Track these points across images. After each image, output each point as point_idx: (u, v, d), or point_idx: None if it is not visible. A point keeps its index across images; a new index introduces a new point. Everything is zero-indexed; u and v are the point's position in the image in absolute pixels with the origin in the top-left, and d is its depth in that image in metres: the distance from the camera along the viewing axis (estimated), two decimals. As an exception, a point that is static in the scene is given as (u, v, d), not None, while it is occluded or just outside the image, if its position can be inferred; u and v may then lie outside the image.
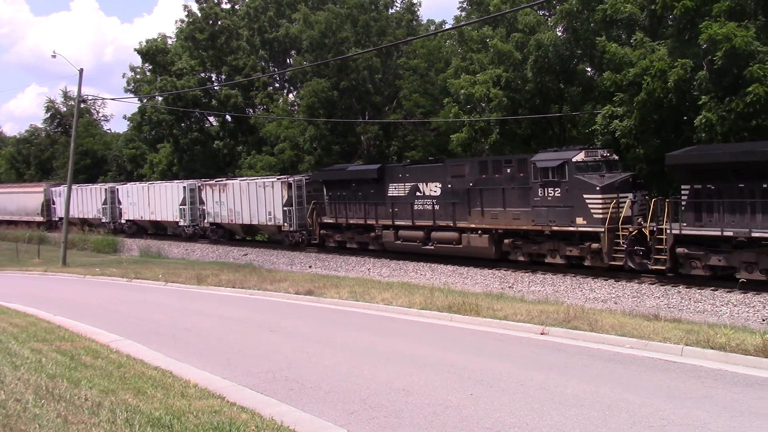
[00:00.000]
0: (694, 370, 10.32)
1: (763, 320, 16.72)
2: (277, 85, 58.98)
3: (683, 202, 20.31)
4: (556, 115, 32.04)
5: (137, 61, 61.43)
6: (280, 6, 56.96)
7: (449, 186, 27.25)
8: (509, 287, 23.02)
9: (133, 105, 65.70)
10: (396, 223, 29.60)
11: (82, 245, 43.65)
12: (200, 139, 57.72)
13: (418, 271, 27.16)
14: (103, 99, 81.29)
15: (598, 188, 22.05)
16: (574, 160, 22.68)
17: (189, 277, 25.10)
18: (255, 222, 36.54)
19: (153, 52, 58.78)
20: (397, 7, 52.67)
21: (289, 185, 34.32)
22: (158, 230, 48.38)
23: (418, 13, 52.85)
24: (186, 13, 57.28)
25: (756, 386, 9.49)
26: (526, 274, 24.41)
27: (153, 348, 12.96)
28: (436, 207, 27.82)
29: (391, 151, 46.14)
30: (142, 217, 46.61)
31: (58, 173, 68.73)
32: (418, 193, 28.69)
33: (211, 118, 58.75)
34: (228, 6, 60.32)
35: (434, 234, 27.94)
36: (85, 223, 50.50)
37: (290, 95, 57.81)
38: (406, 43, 44.66)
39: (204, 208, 41.19)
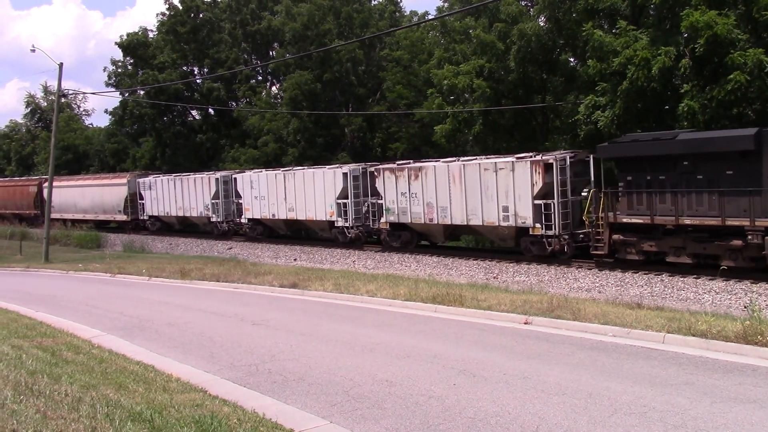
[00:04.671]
0: (676, 358, 10.38)
1: (745, 307, 16.85)
2: (260, 78, 58.75)
3: None
4: (539, 105, 32.11)
5: (119, 54, 61.01)
6: (262, -2, 56.68)
7: None
8: (494, 278, 23.08)
9: (114, 99, 65.34)
10: None
11: (64, 241, 43.31)
12: (183, 133, 57.45)
13: (404, 263, 27.16)
14: (84, 93, 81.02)
15: None
16: None
17: (173, 271, 24.97)
18: (475, 222, 25.52)
19: (134, 46, 58.41)
20: (379, -2, 52.63)
21: (547, 166, 23.19)
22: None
23: (401, 4, 53.00)
24: (167, 6, 56.91)
25: (736, 372, 9.56)
26: (511, 265, 24.50)
27: (135, 343, 12.88)
28: None
29: (375, 143, 46.14)
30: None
31: (39, 169, 68.13)
32: None
33: (194, 112, 58.49)
34: (209, -2, 59.96)
35: None
36: (184, 223, 42.80)
37: (273, 88, 57.64)
38: (389, 34, 44.62)
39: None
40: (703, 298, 18.32)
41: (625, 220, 21.37)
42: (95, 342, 12.79)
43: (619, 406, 8.24)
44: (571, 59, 32.18)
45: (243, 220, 36.66)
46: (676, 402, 8.30)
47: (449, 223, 26.40)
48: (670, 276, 20.53)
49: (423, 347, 11.63)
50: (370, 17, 48.80)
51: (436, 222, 26.88)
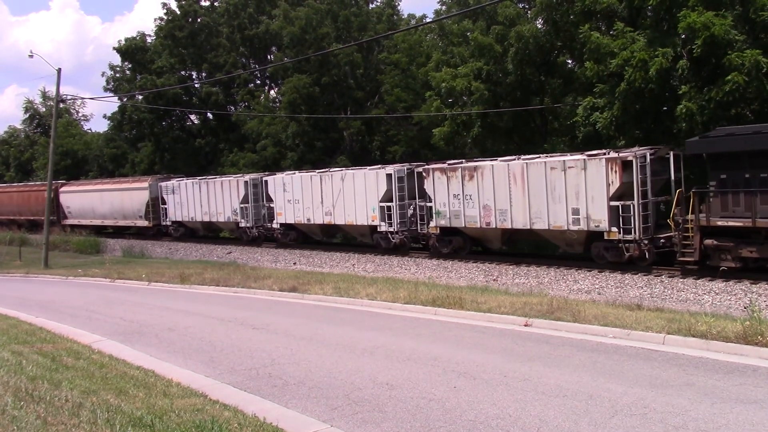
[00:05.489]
0: (676, 359, 10.39)
1: (745, 307, 16.85)
2: (258, 82, 58.80)
3: None
4: (537, 107, 32.15)
5: (117, 60, 61.10)
6: (259, 2, 56.71)
7: None
8: (493, 280, 23.07)
9: (113, 104, 65.22)
10: None
11: (64, 246, 43.21)
12: (182, 138, 57.47)
13: (403, 266, 27.15)
14: (83, 98, 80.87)
15: None
16: None
17: (172, 276, 24.96)
18: (540, 226, 23.36)
19: (133, 51, 58.49)
20: (377, 2, 52.69)
21: (625, 164, 21.31)
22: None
23: (399, 7, 53.00)
24: (165, 11, 56.97)
25: (736, 373, 9.56)
26: (510, 267, 24.48)
27: (135, 348, 12.88)
28: None
29: (373, 147, 46.16)
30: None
31: (38, 174, 68.09)
32: None
33: (193, 116, 58.51)
34: (207, 3, 60.13)
35: None
36: (210, 228, 41.14)
37: (271, 92, 57.67)
38: (387, 37, 44.66)
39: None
40: (703, 299, 18.32)
41: (720, 224, 19.10)
42: (95, 347, 12.78)
43: (619, 407, 8.24)
44: (569, 61, 32.24)
45: (274, 226, 34.70)
46: (677, 403, 8.30)
47: (509, 227, 24.26)
48: (669, 277, 20.53)
49: (423, 350, 11.63)
50: (368, 21, 48.86)
51: (493, 226, 24.63)
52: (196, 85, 56.73)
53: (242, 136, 51.66)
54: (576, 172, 22.13)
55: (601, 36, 25.18)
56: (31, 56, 36.46)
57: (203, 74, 57.62)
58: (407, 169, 28.93)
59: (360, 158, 43.69)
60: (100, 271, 28.84)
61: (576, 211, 22.23)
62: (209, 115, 56.70)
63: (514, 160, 24.28)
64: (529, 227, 23.67)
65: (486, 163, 25.01)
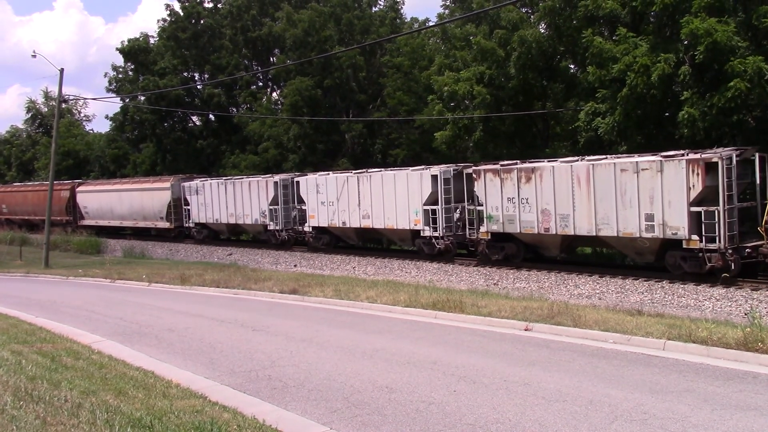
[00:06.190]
0: (676, 365, 10.37)
1: (745, 314, 16.83)
2: (260, 84, 58.86)
3: None
4: (540, 111, 32.16)
5: (120, 60, 61.19)
6: (263, 4, 56.82)
7: None
8: (494, 284, 23.06)
9: (115, 105, 65.34)
10: None
11: (64, 246, 43.24)
12: (183, 139, 57.52)
13: (404, 269, 27.15)
14: (85, 99, 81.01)
15: None
16: None
17: (173, 277, 24.96)
18: (607, 233, 21.56)
19: (135, 52, 58.58)
20: (380, 5, 52.77)
21: (708, 166, 19.47)
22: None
23: (402, 11, 53.24)
24: (168, 12, 57.12)
25: (737, 379, 9.55)
26: (511, 271, 24.46)
27: (135, 349, 12.87)
28: None
29: (375, 150, 46.20)
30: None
31: (39, 174, 68.16)
32: None
33: (195, 118, 58.57)
34: (210, 5, 60.18)
35: None
36: (235, 231, 39.75)
37: (274, 94, 57.75)
38: (390, 40, 44.72)
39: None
40: (704, 305, 18.31)
41: None
42: (95, 347, 12.77)
43: (619, 413, 8.23)
44: (572, 66, 32.26)
45: (306, 229, 33.03)
46: (677, 409, 8.29)
47: (571, 233, 22.53)
48: (670, 283, 20.51)
49: (423, 353, 11.62)
50: (371, 24, 48.95)
51: (553, 232, 22.95)
52: (199, 87, 56.80)
53: (244, 138, 51.71)
54: (650, 174, 20.38)
55: (604, 41, 25.20)
56: (34, 56, 36.89)
57: (206, 76, 57.69)
58: (454, 170, 27.19)
59: (361, 161, 43.70)
60: (100, 272, 28.85)
61: (650, 217, 20.46)
62: (211, 116, 56.76)
63: (578, 160, 22.69)
64: (594, 234, 21.95)
65: (545, 164, 23.34)
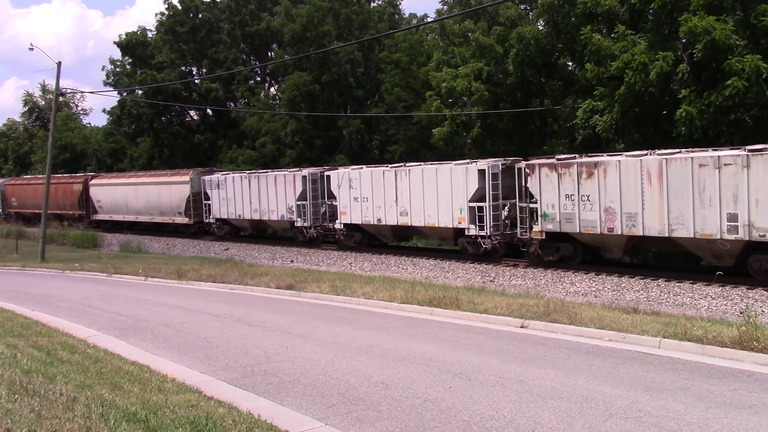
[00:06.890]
0: (671, 363, 10.39)
1: (741, 313, 16.87)
2: (258, 78, 58.79)
3: None
4: (538, 109, 32.16)
5: (118, 54, 61.07)
6: (261, -1, 56.76)
7: None
8: (490, 281, 23.07)
9: (112, 98, 65.27)
10: None
11: (61, 240, 43.10)
12: (181, 133, 57.47)
13: (400, 266, 27.15)
14: (82, 92, 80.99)
15: None
16: None
17: (169, 272, 24.91)
18: (682, 233, 19.77)
19: (133, 46, 58.47)
20: (378, 1, 52.70)
21: None
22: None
23: (400, 6, 53.12)
24: (166, 6, 56.98)
25: (731, 378, 9.57)
26: (508, 269, 24.49)
27: (131, 343, 12.85)
28: None
29: (373, 146, 46.19)
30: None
31: (36, 167, 68.02)
32: None
33: (192, 112, 58.50)
34: (209, -1, 60.03)
35: None
36: (259, 227, 38.11)
37: (271, 89, 57.68)
38: (388, 36, 44.69)
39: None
40: (699, 304, 18.33)
41: None
42: (90, 342, 12.75)
43: (614, 410, 8.24)
44: (570, 63, 32.27)
45: (337, 226, 31.24)
46: (672, 407, 8.30)
47: (639, 233, 20.71)
48: (666, 281, 20.55)
49: (419, 350, 11.62)
50: (369, 19, 48.90)
51: (618, 232, 21.12)
52: (196, 81, 56.74)
53: (241, 133, 51.67)
54: (734, 170, 18.40)
55: (602, 38, 25.20)
56: (31, 49, 36.39)
57: (203, 70, 57.62)
58: (503, 164, 25.32)
59: (359, 157, 43.69)
60: (97, 266, 28.77)
61: (733, 217, 18.54)
62: (209, 111, 56.70)
63: (647, 154, 20.73)
64: (666, 235, 20.07)
65: (610, 159, 21.46)
